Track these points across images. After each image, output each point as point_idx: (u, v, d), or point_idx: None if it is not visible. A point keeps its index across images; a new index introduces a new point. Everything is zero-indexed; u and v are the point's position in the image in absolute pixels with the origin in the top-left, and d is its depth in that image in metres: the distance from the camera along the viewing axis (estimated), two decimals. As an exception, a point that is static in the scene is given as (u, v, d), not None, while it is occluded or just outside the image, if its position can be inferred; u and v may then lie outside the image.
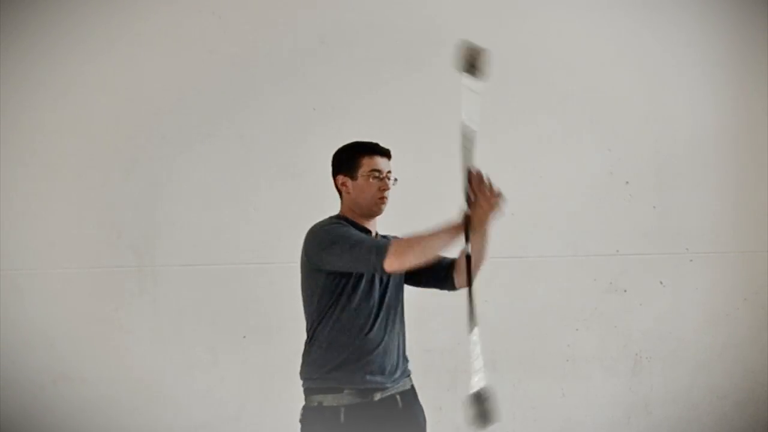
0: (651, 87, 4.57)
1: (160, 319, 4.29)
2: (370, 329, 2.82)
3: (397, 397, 2.87)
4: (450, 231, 2.66)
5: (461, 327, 4.40)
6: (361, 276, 2.82)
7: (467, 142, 2.63)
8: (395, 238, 2.92)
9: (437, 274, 2.97)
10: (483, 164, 4.49)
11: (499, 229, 4.45)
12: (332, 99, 4.38)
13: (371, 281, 2.85)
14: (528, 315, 4.44)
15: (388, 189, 2.91)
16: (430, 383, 4.32)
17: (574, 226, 4.49)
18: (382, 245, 2.67)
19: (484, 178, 2.63)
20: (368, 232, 2.92)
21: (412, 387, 2.96)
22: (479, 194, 2.62)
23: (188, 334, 4.28)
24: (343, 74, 4.38)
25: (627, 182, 4.53)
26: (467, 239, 2.67)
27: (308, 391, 2.87)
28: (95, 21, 4.30)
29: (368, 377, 2.80)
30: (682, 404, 4.49)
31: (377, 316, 2.85)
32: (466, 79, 2.62)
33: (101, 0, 4.32)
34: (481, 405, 2.58)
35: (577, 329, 4.47)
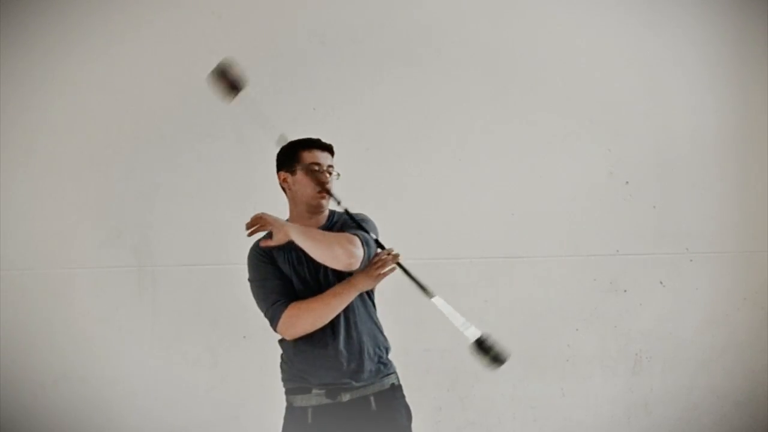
0: (651, 87, 4.57)
1: (160, 319, 4.29)
2: (328, 331, 2.81)
3: (371, 398, 2.84)
4: (344, 292, 2.78)
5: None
6: (305, 281, 2.84)
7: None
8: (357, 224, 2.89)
9: None
10: (483, 164, 4.50)
11: (499, 230, 4.47)
12: (332, 99, 4.38)
13: (317, 283, 2.84)
14: (528, 315, 4.44)
15: (326, 182, 2.88)
16: (430, 383, 4.33)
17: (574, 226, 4.49)
18: (276, 313, 2.78)
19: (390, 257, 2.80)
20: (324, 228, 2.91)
21: (393, 387, 2.91)
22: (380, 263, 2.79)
23: (188, 334, 4.28)
24: (343, 74, 4.38)
25: (627, 182, 4.53)
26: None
27: (285, 392, 2.91)
28: (95, 21, 4.30)
29: (332, 378, 2.81)
30: (682, 404, 4.49)
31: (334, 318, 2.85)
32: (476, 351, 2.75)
33: (101, 0, 4.31)
34: (488, 351, 2.68)
35: (577, 329, 4.47)
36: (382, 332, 2.95)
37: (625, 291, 4.50)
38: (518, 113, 4.48)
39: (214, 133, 4.33)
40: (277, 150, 2.97)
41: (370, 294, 2.93)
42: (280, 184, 2.97)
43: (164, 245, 4.30)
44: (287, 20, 4.41)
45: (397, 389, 2.92)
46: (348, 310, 2.84)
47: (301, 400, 2.82)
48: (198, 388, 4.28)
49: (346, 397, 2.82)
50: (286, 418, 2.88)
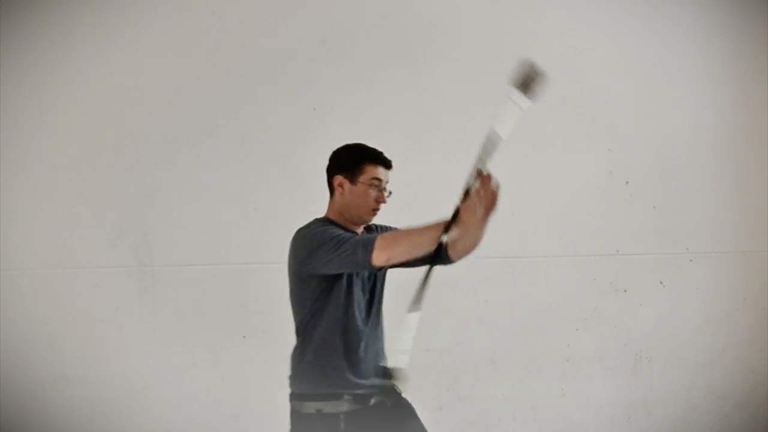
0: (651, 87, 4.57)
1: (160, 319, 4.29)
2: (361, 331, 2.80)
3: (386, 400, 2.84)
4: (439, 227, 2.55)
5: (461, 327, 4.42)
6: (351, 276, 2.78)
7: (489, 147, 2.58)
8: (385, 231, 2.88)
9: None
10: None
11: (499, 229, 4.47)
12: (332, 99, 4.38)
13: (361, 281, 2.82)
14: (528, 315, 4.44)
15: (384, 202, 2.87)
16: (430, 383, 4.33)
17: (574, 226, 4.49)
18: (369, 240, 2.61)
19: (494, 180, 2.52)
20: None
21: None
22: (483, 191, 2.49)
23: (188, 334, 4.28)
24: (343, 74, 4.38)
25: (627, 182, 4.53)
26: (451, 226, 2.55)
27: (301, 397, 2.81)
28: (95, 21, 4.30)
29: (363, 381, 2.78)
30: (682, 404, 4.49)
31: (368, 316, 2.83)
32: (515, 94, 2.63)
33: (101, 0, 4.32)
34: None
35: (577, 329, 4.47)
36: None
37: (625, 291, 4.50)
38: (518, 113, 4.48)
39: (214, 133, 4.33)
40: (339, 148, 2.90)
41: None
42: (332, 185, 2.90)
43: (164, 245, 4.30)
44: (287, 20, 4.41)
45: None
46: (378, 308, 2.86)
47: (332, 407, 2.74)
48: (198, 388, 4.28)
49: (372, 401, 2.79)
50: (308, 425, 2.78)
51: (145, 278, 4.29)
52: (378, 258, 2.58)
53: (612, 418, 4.46)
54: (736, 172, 4.58)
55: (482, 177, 2.50)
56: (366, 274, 2.83)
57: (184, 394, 4.26)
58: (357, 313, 2.80)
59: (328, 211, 2.93)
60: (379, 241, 2.59)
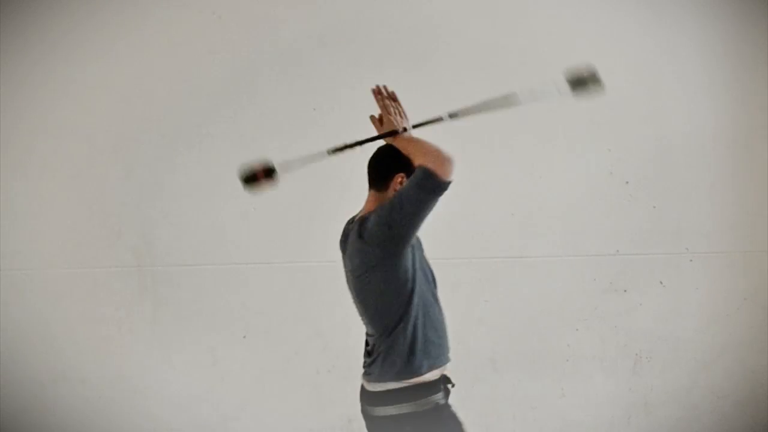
0: (651, 87, 4.57)
1: (160, 319, 4.29)
2: (439, 308, 2.84)
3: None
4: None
5: (461, 327, 4.41)
6: (413, 252, 2.78)
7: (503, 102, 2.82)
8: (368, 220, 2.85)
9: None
10: (483, 164, 4.50)
11: (499, 229, 4.47)
12: (332, 99, 4.38)
13: (412, 255, 2.79)
14: (528, 315, 4.44)
15: None
16: (430, 383, 4.32)
17: (574, 226, 4.49)
18: (423, 169, 2.69)
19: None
20: None
21: None
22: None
23: (188, 334, 4.28)
24: (343, 74, 4.38)
25: (627, 182, 4.53)
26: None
27: (420, 390, 2.74)
28: (95, 21, 4.30)
29: (447, 371, 2.82)
30: (682, 404, 4.49)
31: (435, 291, 2.86)
32: (566, 87, 2.84)
33: (101, 0, 4.32)
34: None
35: (577, 329, 4.47)
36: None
37: (625, 291, 4.50)
38: (518, 113, 4.47)
39: (214, 133, 4.33)
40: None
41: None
42: (390, 182, 2.89)
43: (164, 245, 4.30)
44: (287, 20, 4.41)
45: None
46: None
47: (442, 397, 2.76)
48: (198, 388, 4.28)
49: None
50: (434, 419, 2.72)
51: (145, 278, 4.29)
52: (446, 171, 2.69)
53: (612, 418, 4.46)
54: (735, 172, 4.57)
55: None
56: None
57: (184, 394, 4.26)
58: (431, 290, 2.89)
59: (370, 205, 2.89)
60: (432, 160, 2.70)
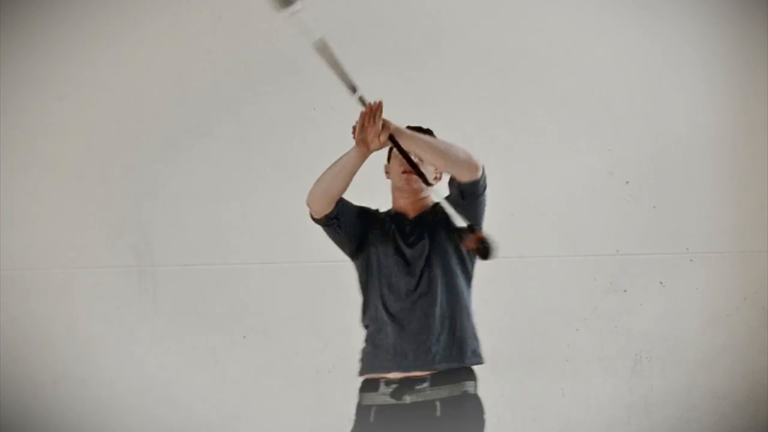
0: (651, 87, 4.57)
1: (160, 319, 4.29)
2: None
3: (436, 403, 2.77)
4: (348, 156, 2.66)
5: (461, 327, 4.41)
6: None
7: (327, 56, 2.67)
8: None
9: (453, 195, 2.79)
10: (483, 163, 4.47)
11: (499, 229, 4.47)
12: (332, 99, 4.37)
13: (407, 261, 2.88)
14: (528, 315, 4.43)
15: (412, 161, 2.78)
16: (430, 383, 4.32)
17: (574, 226, 4.48)
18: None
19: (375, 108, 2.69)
20: (405, 215, 2.81)
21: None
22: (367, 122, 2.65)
23: (188, 334, 4.28)
24: (343, 74, 4.37)
25: (627, 182, 4.53)
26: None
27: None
28: (95, 21, 4.30)
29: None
30: (682, 404, 4.48)
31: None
32: (286, 11, 2.72)
33: (101, 1, 4.32)
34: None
35: (577, 329, 4.47)
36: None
37: (625, 291, 4.50)
38: (518, 113, 4.48)
39: (214, 133, 4.33)
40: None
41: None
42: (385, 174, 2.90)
43: (164, 245, 4.30)
44: (287, 20, 4.40)
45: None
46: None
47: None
48: (198, 388, 4.28)
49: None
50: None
51: (145, 278, 4.29)
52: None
53: (612, 418, 4.46)
54: (735, 171, 4.57)
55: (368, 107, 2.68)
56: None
57: (184, 394, 4.26)
58: None
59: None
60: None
